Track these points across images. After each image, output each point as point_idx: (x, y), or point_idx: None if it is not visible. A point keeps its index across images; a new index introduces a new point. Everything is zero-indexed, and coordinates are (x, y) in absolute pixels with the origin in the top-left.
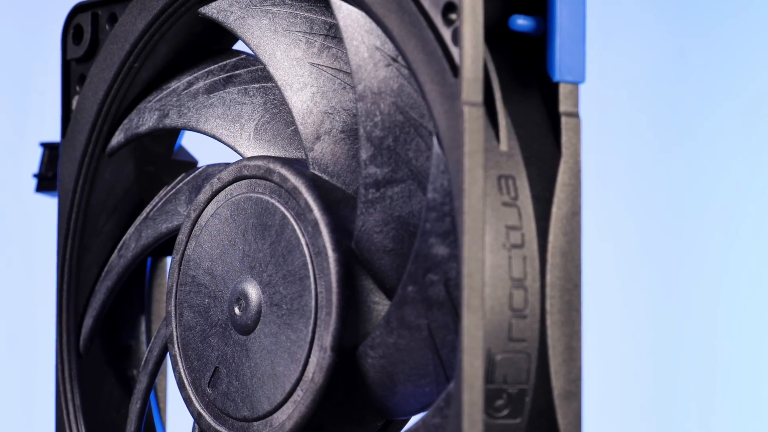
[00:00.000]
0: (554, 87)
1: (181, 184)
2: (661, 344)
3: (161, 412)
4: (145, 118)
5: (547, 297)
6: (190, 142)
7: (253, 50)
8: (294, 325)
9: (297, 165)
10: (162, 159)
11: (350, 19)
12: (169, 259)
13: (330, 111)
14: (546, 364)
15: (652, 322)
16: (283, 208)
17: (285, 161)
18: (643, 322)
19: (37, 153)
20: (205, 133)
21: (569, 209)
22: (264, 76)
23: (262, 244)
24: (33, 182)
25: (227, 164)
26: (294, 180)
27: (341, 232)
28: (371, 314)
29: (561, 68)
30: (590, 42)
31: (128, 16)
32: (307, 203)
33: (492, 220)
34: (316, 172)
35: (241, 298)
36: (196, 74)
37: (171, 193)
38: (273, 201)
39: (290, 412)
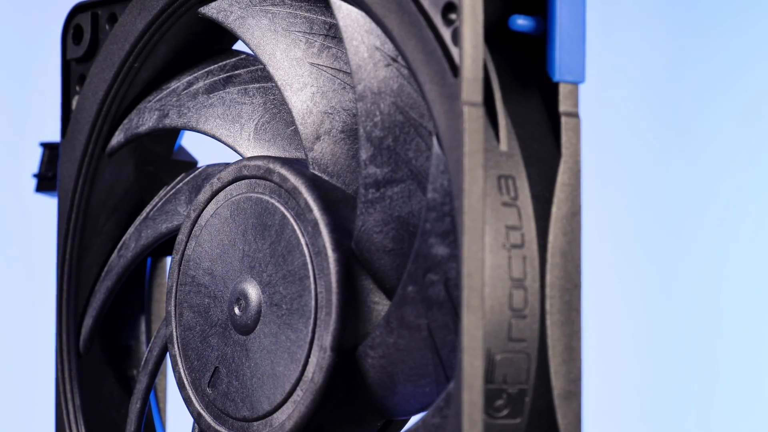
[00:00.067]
0: (554, 87)
1: (181, 184)
2: (661, 344)
3: (161, 412)
4: (145, 118)
5: (547, 297)
6: (190, 142)
7: (252, 50)
8: (294, 325)
9: (297, 165)
10: (162, 159)
11: (350, 19)
12: (169, 259)
13: (330, 111)
14: (546, 364)
15: (651, 322)
16: (282, 208)
17: (285, 161)
18: (642, 322)
19: (37, 153)
20: (205, 133)
21: (569, 209)
22: (264, 76)
23: (262, 244)
24: (33, 182)
25: (227, 164)
26: (294, 180)
27: (341, 232)
28: (371, 314)
29: (561, 68)
30: (590, 42)
31: (128, 16)
32: (306, 203)
33: (492, 220)
34: (316, 172)
35: (241, 298)
36: (196, 74)
37: (171, 193)
38: (273, 201)
39: (290, 412)
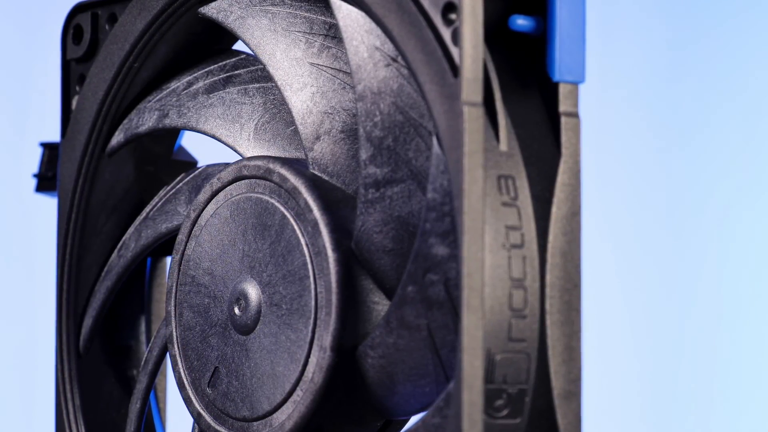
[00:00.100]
0: (554, 87)
1: (180, 184)
2: (661, 344)
3: (161, 412)
4: (145, 118)
5: (547, 297)
6: (190, 142)
7: (252, 50)
8: (294, 325)
9: (297, 165)
10: (162, 159)
11: (350, 19)
12: (168, 259)
13: (330, 111)
14: (546, 364)
15: (651, 322)
16: (282, 208)
17: (285, 161)
18: (642, 322)
19: (37, 153)
20: (204, 133)
21: (569, 209)
22: (264, 76)
23: (262, 244)
24: (33, 182)
25: (227, 164)
26: (294, 180)
27: (341, 232)
28: (371, 314)
29: (561, 68)
30: (590, 42)
31: (128, 16)
32: (306, 203)
33: (492, 220)
34: (316, 172)
35: (241, 298)
36: (195, 74)
37: (171, 193)
38: (273, 201)
39: (290, 412)
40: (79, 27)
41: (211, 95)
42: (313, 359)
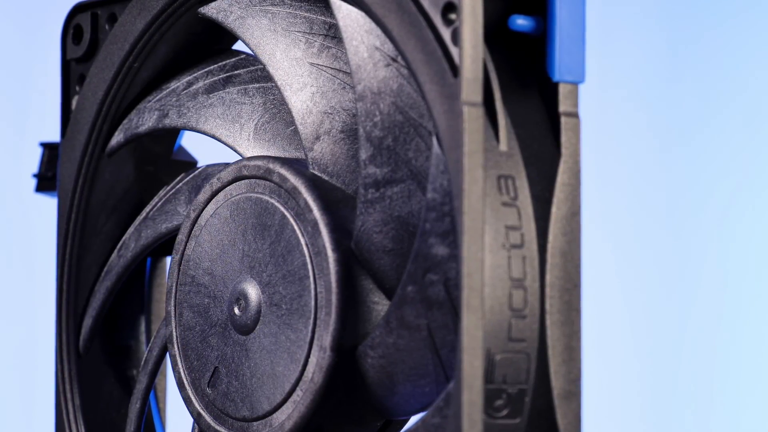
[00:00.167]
0: (554, 87)
1: (180, 184)
2: (661, 344)
3: (161, 412)
4: (145, 118)
5: (547, 297)
6: (189, 142)
7: (252, 50)
8: (293, 325)
9: (297, 165)
10: (162, 159)
11: (350, 19)
12: (168, 259)
13: (329, 111)
14: (545, 364)
15: (651, 322)
16: (282, 208)
17: (285, 161)
18: (642, 322)
19: (37, 153)
20: (204, 133)
21: (569, 209)
22: (264, 76)
23: (262, 244)
24: (33, 182)
25: (227, 164)
26: (293, 180)
27: (341, 232)
28: (371, 314)
29: (561, 68)
30: (590, 42)
31: (128, 16)
32: (306, 203)
33: (491, 220)
34: (316, 172)
35: (241, 298)
36: (195, 74)
37: (170, 193)
38: (272, 201)
39: (290, 412)
40: (79, 27)
41: (211, 95)
42: (313, 359)
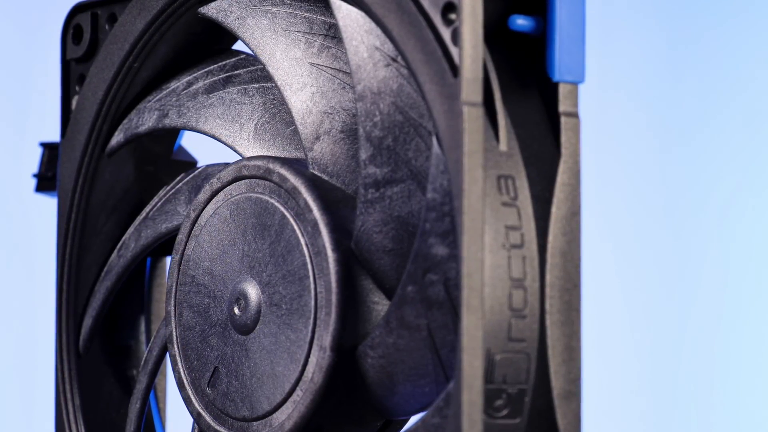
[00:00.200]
0: (554, 87)
1: (180, 184)
2: (661, 344)
3: (161, 412)
4: (145, 118)
5: (547, 297)
6: (189, 142)
7: (252, 50)
8: (293, 325)
9: (296, 165)
10: (162, 159)
11: (350, 19)
12: (168, 259)
13: (329, 111)
14: (545, 364)
15: (651, 322)
16: (282, 208)
17: (284, 161)
18: (642, 322)
19: (37, 153)
20: (204, 133)
21: (569, 209)
22: (263, 76)
23: (262, 244)
24: (33, 182)
25: (227, 164)
26: (293, 180)
27: (341, 232)
28: (371, 314)
29: (560, 68)
30: (590, 42)
31: (128, 16)
32: (306, 203)
33: (491, 220)
34: (316, 172)
35: (241, 298)
36: (195, 74)
37: (170, 193)
38: (272, 201)
39: (290, 412)
40: (79, 27)
41: (210, 95)
42: (312, 359)
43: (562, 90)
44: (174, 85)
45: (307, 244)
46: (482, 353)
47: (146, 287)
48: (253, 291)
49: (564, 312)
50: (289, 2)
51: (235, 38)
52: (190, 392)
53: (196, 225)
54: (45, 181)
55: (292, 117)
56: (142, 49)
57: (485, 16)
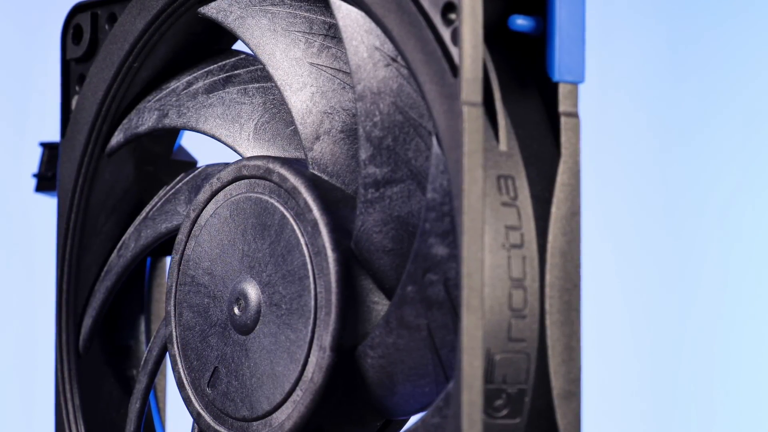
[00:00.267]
0: (554, 87)
1: (180, 184)
2: (661, 344)
3: (161, 412)
4: (145, 118)
5: (547, 297)
6: (189, 142)
7: (252, 50)
8: (293, 324)
9: (296, 165)
10: (161, 159)
11: (350, 19)
12: (168, 259)
13: (329, 111)
14: (545, 364)
15: (651, 322)
16: (282, 208)
17: (284, 161)
18: (642, 322)
19: (37, 153)
20: (204, 133)
21: (568, 209)
22: (263, 76)
23: (262, 243)
24: (33, 182)
25: (227, 164)
26: (293, 180)
27: (340, 231)
28: (370, 314)
29: (560, 68)
30: (590, 42)
31: (127, 16)
32: (306, 203)
33: (491, 220)
34: (316, 172)
35: (241, 297)
36: (195, 74)
37: (170, 193)
38: (272, 201)
39: (289, 412)
40: (79, 27)
41: (210, 95)
42: (312, 359)
43: (562, 90)
44: (174, 85)
45: (306, 244)
46: (482, 353)
47: (146, 287)
48: (252, 291)
49: (564, 312)
50: (289, 2)
51: (234, 38)
52: (189, 392)
53: (195, 225)
54: (45, 181)
55: (292, 117)
56: (141, 49)
57: (485, 16)
